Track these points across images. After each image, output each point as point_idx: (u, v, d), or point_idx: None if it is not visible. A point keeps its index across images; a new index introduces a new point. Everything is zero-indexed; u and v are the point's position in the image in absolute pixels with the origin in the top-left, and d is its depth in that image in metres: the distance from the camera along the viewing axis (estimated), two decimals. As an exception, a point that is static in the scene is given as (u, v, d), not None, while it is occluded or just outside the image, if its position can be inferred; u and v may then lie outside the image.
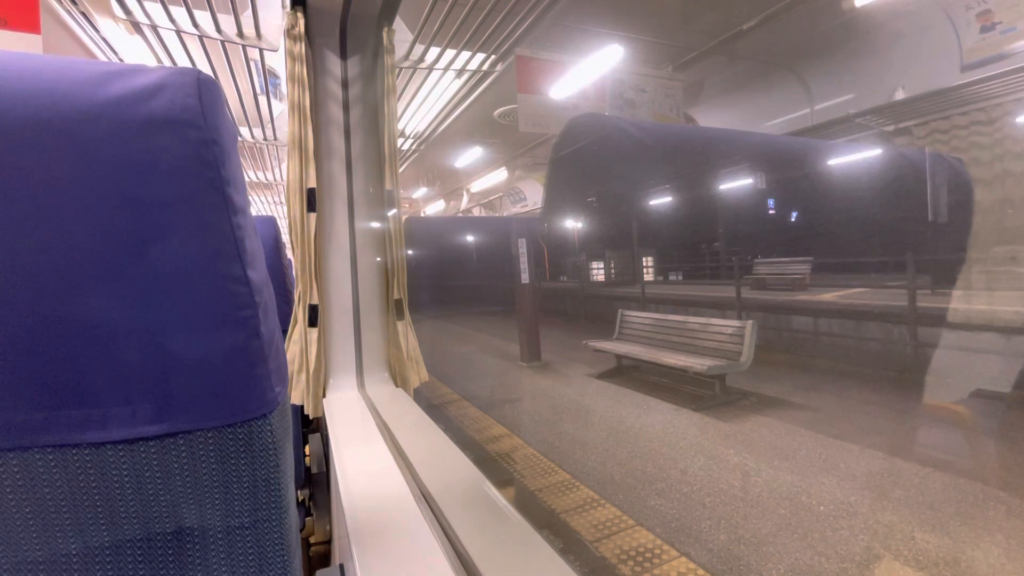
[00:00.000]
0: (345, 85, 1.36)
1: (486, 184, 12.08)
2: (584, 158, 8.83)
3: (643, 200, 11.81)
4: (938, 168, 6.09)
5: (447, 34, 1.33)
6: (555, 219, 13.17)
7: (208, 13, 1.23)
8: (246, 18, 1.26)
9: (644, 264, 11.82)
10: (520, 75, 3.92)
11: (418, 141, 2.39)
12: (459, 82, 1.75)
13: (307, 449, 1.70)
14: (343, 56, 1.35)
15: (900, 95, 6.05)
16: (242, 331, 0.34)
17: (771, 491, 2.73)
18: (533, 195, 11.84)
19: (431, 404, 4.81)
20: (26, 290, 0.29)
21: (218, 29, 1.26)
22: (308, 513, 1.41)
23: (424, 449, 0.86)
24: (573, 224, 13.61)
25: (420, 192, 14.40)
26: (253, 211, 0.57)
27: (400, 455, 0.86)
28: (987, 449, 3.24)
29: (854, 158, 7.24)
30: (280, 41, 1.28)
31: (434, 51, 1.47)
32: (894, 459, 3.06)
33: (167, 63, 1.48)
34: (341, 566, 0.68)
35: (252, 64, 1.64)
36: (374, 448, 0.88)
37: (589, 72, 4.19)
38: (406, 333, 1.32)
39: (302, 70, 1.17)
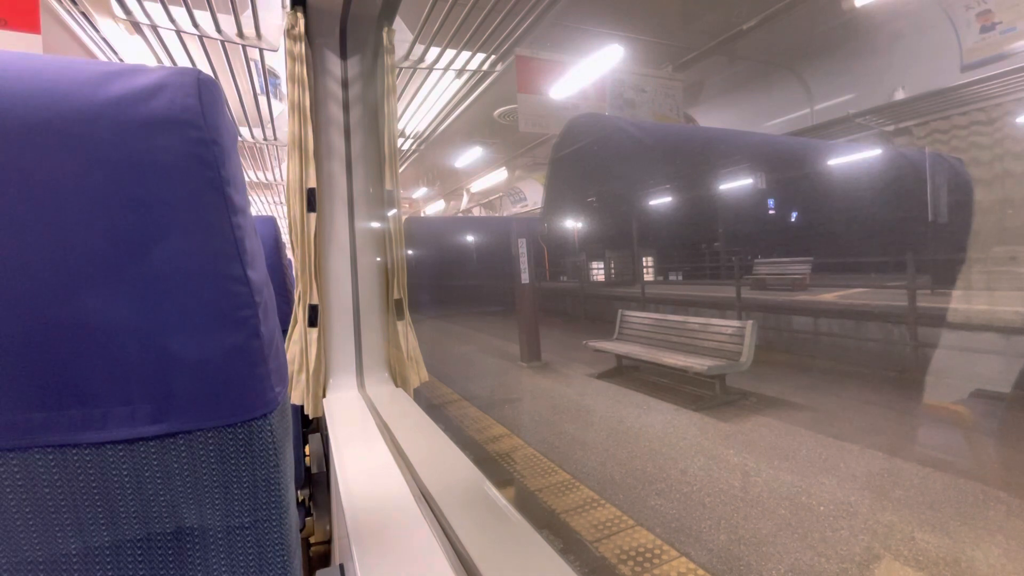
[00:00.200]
0: (345, 85, 1.36)
1: (486, 184, 12.08)
2: (584, 158, 8.83)
3: (643, 200, 11.81)
4: (938, 168, 6.09)
5: (447, 34, 1.33)
6: (555, 219, 13.17)
7: (208, 13, 1.23)
8: (246, 18, 1.26)
9: (644, 264, 11.82)
10: (520, 75, 3.92)
11: (418, 141, 2.39)
12: (459, 82, 1.75)
13: (307, 449, 1.70)
14: (343, 56, 1.35)
15: (900, 95, 6.06)
16: (242, 331, 0.34)
17: (771, 491, 2.73)
18: (533, 195, 11.84)
19: (431, 404, 4.81)
20: (26, 290, 0.29)
21: (218, 29, 1.26)
22: (308, 513, 1.41)
23: (424, 449, 0.86)
24: (573, 224, 13.61)
25: (420, 192, 14.40)
26: (253, 211, 0.57)
27: (400, 455, 0.86)
28: (987, 449, 3.24)
29: (854, 158, 7.24)
30: (280, 41, 1.28)
31: (434, 51, 1.47)
32: (894, 459, 3.06)
33: (167, 63, 1.48)
34: (341, 566, 0.68)
35: (252, 64, 1.64)
36: (374, 448, 0.88)
37: (589, 72, 4.20)
38: (406, 333, 1.32)
39: (302, 70, 1.17)
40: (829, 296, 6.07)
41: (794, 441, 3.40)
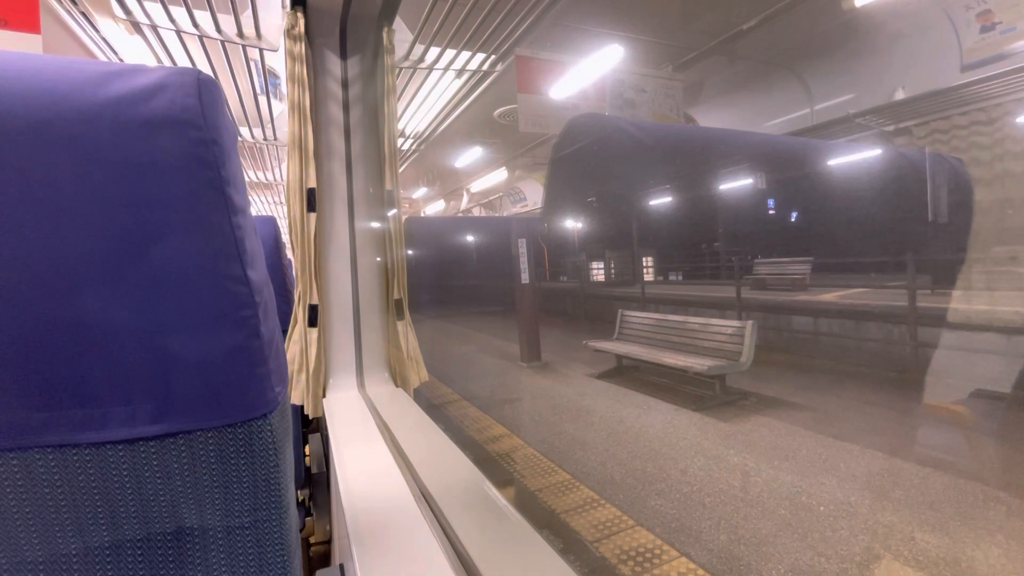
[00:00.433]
0: (345, 85, 1.36)
1: (486, 184, 12.08)
2: (584, 158, 8.83)
3: (643, 200, 11.81)
4: (938, 168, 6.09)
5: (447, 34, 1.33)
6: (555, 219, 13.17)
7: (208, 13, 1.23)
8: (246, 18, 1.26)
9: (644, 264, 11.82)
10: (520, 75, 3.92)
11: (418, 141, 2.39)
12: (459, 82, 1.75)
13: (307, 449, 1.70)
14: (343, 56, 1.35)
15: (900, 95, 6.05)
16: (242, 331, 0.34)
17: (771, 491, 2.73)
18: (533, 195, 11.84)
19: (431, 404, 4.81)
20: (26, 290, 0.29)
21: (218, 29, 1.26)
22: (308, 513, 1.41)
23: (424, 449, 0.86)
24: (573, 224, 13.61)
25: (420, 192, 14.40)
26: (253, 211, 0.57)
27: (400, 455, 0.86)
28: (987, 449, 3.24)
29: (854, 158, 7.24)
30: (280, 41, 1.28)
31: (434, 51, 1.47)
32: (894, 459, 3.06)
33: (167, 63, 1.48)
34: (341, 566, 0.68)
35: (252, 64, 1.64)
36: (374, 448, 0.88)
37: (589, 72, 4.20)
38: (406, 333, 1.32)
39: (302, 70, 1.17)
40: (829, 296, 6.07)
41: (794, 441, 3.40)
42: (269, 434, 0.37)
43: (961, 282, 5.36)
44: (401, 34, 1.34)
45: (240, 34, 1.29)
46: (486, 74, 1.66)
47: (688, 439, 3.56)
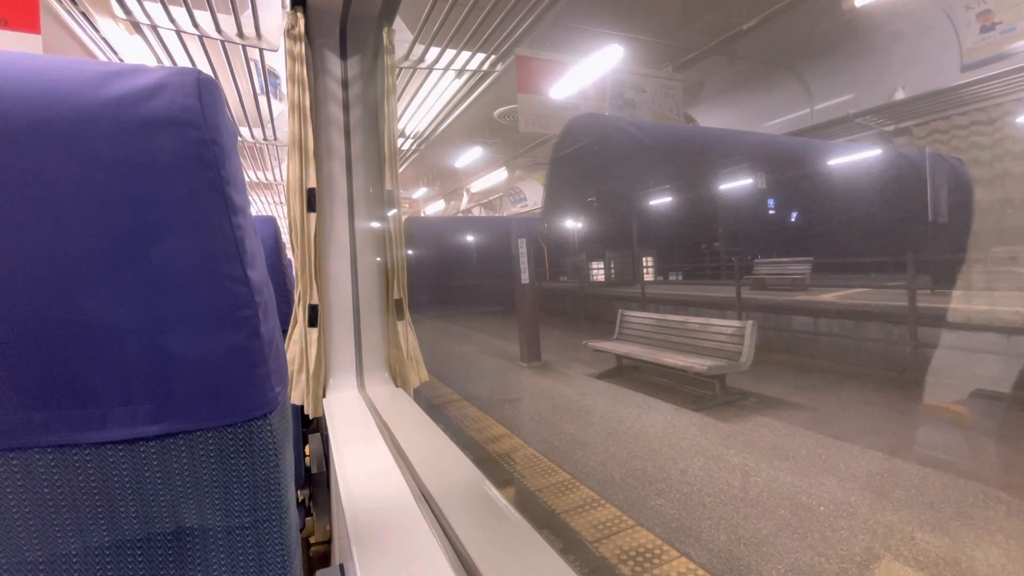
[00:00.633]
0: (345, 85, 1.36)
1: (486, 184, 12.07)
2: (584, 158, 8.83)
3: (643, 200, 11.81)
4: (938, 168, 6.09)
5: (447, 34, 1.33)
6: (555, 219, 13.17)
7: (208, 13, 1.23)
8: (246, 18, 1.26)
9: (644, 264, 11.82)
10: (520, 75, 3.92)
11: (418, 141, 2.39)
12: (459, 82, 1.75)
13: (307, 449, 1.70)
14: (343, 56, 1.35)
15: (900, 95, 6.05)
16: (242, 331, 0.34)
17: (771, 491, 2.73)
18: (533, 195, 11.84)
19: (431, 404, 4.81)
20: (26, 290, 0.29)
21: (218, 29, 1.26)
22: (308, 513, 1.41)
23: (424, 449, 0.86)
24: (573, 224, 13.61)
25: (420, 192, 14.39)
26: (253, 211, 0.57)
27: (400, 455, 0.86)
28: (987, 449, 3.24)
29: (854, 158, 7.24)
30: (280, 41, 1.28)
31: (434, 51, 1.47)
32: (894, 459, 3.06)
33: (167, 63, 1.48)
34: (341, 566, 0.68)
35: (252, 64, 1.63)
36: (374, 448, 0.88)
37: (589, 72, 4.20)
38: (406, 333, 1.32)
39: (302, 70, 1.17)
40: (829, 296, 6.07)
41: (794, 441, 3.40)
42: (269, 434, 0.37)
43: (961, 282, 5.36)
44: (401, 34, 1.34)
45: (240, 34, 1.29)
46: (486, 74, 1.66)
47: (688, 439, 3.56)
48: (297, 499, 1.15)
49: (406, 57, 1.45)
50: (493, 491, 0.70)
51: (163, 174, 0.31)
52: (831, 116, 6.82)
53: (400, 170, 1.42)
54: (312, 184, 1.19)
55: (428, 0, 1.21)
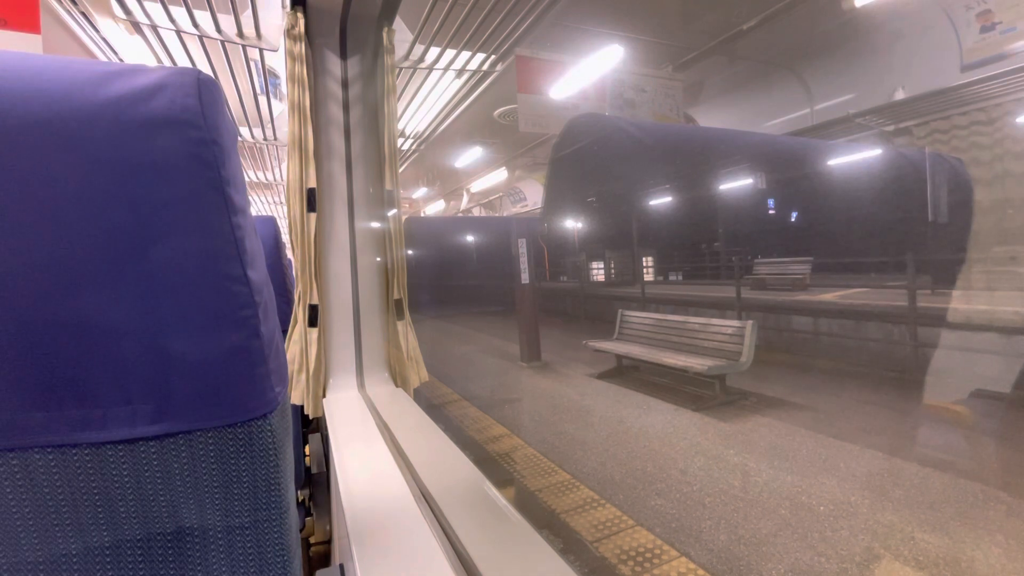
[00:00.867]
0: (345, 85, 1.36)
1: (486, 184, 12.07)
2: (584, 158, 8.83)
3: (643, 200, 11.81)
4: (938, 168, 6.08)
5: (447, 34, 1.33)
6: (555, 219, 13.17)
7: (208, 13, 1.22)
8: (246, 18, 1.25)
9: (644, 264, 11.82)
10: (520, 75, 3.92)
11: (418, 141, 2.39)
12: (459, 82, 1.75)
13: (307, 449, 1.70)
14: (343, 56, 1.35)
15: (900, 95, 6.05)
16: (242, 331, 0.34)
17: (771, 491, 2.73)
18: (533, 195, 11.84)
19: (431, 404, 4.81)
20: (26, 290, 0.29)
21: (218, 29, 1.26)
22: (308, 513, 1.41)
23: (424, 449, 0.86)
24: (573, 224, 13.61)
25: (420, 192, 14.39)
26: (253, 211, 0.57)
27: (400, 455, 0.86)
28: (987, 449, 3.24)
29: (854, 158, 7.24)
30: (280, 41, 1.28)
31: (434, 51, 1.47)
32: (894, 459, 3.06)
33: (167, 63, 1.48)
34: (341, 566, 0.68)
35: (252, 64, 1.63)
36: (374, 448, 0.88)
37: (589, 72, 4.20)
38: (406, 333, 1.32)
39: (302, 70, 1.17)
40: (829, 296, 6.07)
41: (794, 441, 3.40)
42: (269, 434, 0.37)
43: (961, 282, 5.36)
44: (401, 34, 1.34)
45: (240, 34, 1.29)
46: (486, 74, 1.66)
47: (688, 439, 3.56)
48: (297, 499, 1.15)
49: (406, 57, 1.45)
50: (493, 491, 0.70)
51: (163, 174, 0.31)
52: (831, 116, 6.82)
53: (400, 170, 1.42)
54: (312, 184, 1.19)
55: (428, 0, 1.21)
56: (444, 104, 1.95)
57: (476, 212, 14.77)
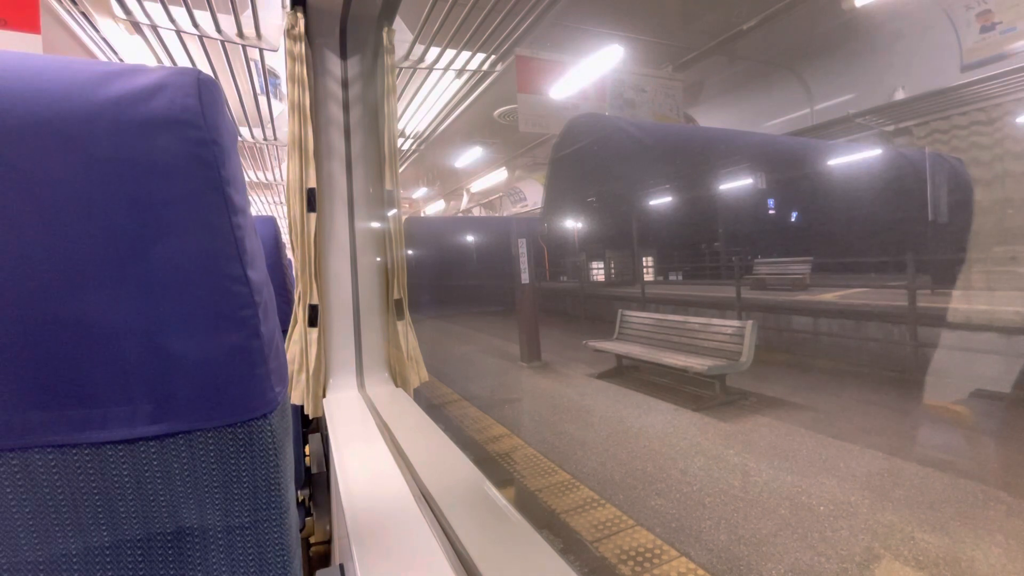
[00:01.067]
0: (345, 85, 1.36)
1: (486, 184, 12.07)
2: (584, 158, 8.83)
3: (643, 200, 11.81)
4: (938, 168, 6.08)
5: (447, 34, 1.33)
6: (555, 219, 13.17)
7: (208, 13, 1.23)
8: (246, 18, 1.26)
9: (644, 264, 11.82)
10: (520, 75, 3.92)
11: (418, 141, 2.39)
12: (459, 82, 1.75)
13: (307, 449, 1.70)
14: (343, 56, 1.35)
15: (900, 95, 6.05)
16: (242, 331, 0.34)
17: (771, 491, 2.73)
18: (533, 195, 11.83)
19: (431, 404, 4.81)
20: (26, 290, 0.29)
21: (218, 29, 1.26)
22: (308, 513, 1.41)
23: (424, 449, 0.86)
24: (573, 224, 13.61)
25: (420, 192, 14.39)
26: (253, 211, 0.57)
27: (400, 455, 0.86)
28: (987, 449, 3.24)
29: (854, 158, 7.24)
30: (280, 41, 1.28)
31: (434, 51, 1.47)
32: (894, 459, 3.06)
33: (167, 63, 1.48)
34: (341, 566, 0.68)
35: (252, 64, 1.63)
36: (374, 448, 0.88)
37: (589, 72, 4.20)
38: (406, 333, 1.32)
39: (302, 70, 1.17)
40: (829, 296, 6.07)
41: (794, 441, 3.40)
42: (269, 434, 0.37)
43: (961, 282, 5.36)
44: (401, 34, 1.34)
45: (240, 34, 1.29)
46: (486, 74, 1.66)
47: (688, 439, 3.56)
48: (297, 499, 1.15)
49: (406, 57, 1.45)
50: (493, 491, 0.70)
51: (163, 174, 0.31)
52: (831, 116, 6.82)
53: (400, 170, 1.42)
54: (312, 184, 1.19)
55: (428, 0, 1.21)
56: (444, 104, 1.96)
57: (476, 212, 14.77)
